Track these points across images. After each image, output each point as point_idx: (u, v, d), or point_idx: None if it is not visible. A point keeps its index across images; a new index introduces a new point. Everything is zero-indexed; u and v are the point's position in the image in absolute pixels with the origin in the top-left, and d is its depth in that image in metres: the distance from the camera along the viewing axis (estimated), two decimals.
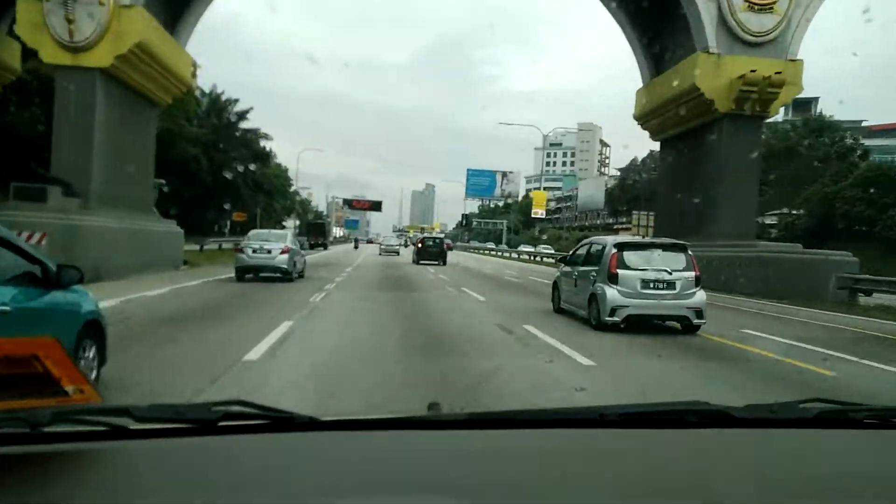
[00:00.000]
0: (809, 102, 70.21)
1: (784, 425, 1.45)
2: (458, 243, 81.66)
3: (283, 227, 45.66)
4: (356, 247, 58.46)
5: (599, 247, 9.37)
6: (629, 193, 68.79)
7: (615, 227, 68.85)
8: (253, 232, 16.36)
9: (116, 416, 1.17)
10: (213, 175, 39.59)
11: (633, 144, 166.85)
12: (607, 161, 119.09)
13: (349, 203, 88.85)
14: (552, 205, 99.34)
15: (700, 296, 8.74)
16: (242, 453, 1.20)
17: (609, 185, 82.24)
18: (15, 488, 1.02)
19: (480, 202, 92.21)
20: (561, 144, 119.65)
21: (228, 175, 41.45)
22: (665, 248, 9.07)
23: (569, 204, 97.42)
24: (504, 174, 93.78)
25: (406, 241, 76.86)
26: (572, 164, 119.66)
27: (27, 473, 1.08)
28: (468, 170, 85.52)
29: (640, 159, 71.93)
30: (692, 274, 8.74)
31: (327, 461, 1.19)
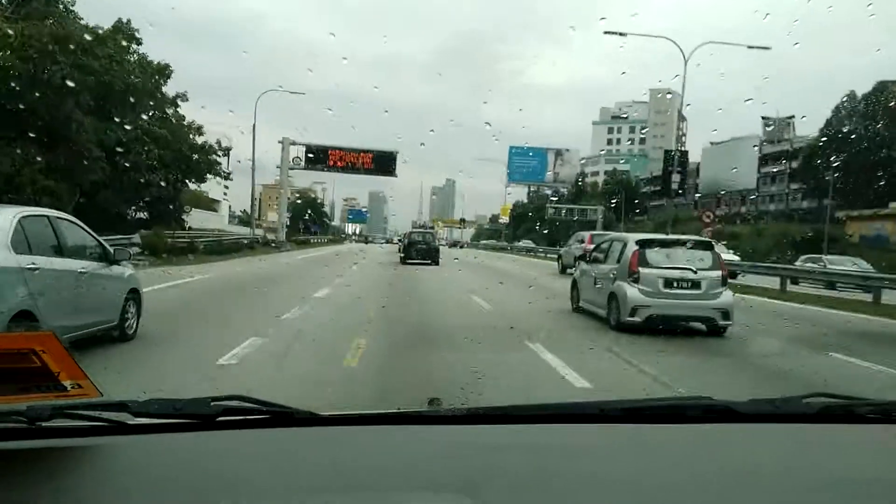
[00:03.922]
0: None
1: (788, 420, 1.65)
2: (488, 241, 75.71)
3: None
4: (366, 241, 53.78)
5: (620, 244, 10.73)
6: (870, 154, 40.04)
7: (841, 215, 46.25)
8: None
9: (115, 411, 1.36)
10: None
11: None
12: (684, 138, 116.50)
13: (319, 155, 49.58)
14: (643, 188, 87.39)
15: (727, 296, 9.96)
16: (242, 448, 1.38)
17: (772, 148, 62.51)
18: (14, 483, 1.16)
19: (528, 189, 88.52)
20: (626, 117, 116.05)
21: None
22: (690, 245, 10.41)
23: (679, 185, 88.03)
24: (558, 153, 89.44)
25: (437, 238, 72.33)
26: (642, 141, 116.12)
27: (26, 468, 1.22)
28: (510, 148, 78.42)
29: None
30: (718, 273, 10.00)
31: (327, 456, 1.37)
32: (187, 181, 38.50)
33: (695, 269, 9.91)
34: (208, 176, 38.25)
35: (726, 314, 9.88)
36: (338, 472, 1.29)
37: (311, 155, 50.08)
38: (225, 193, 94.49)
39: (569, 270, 25.31)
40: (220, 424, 1.42)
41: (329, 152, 49.85)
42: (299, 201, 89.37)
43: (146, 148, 29.58)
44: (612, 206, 64.65)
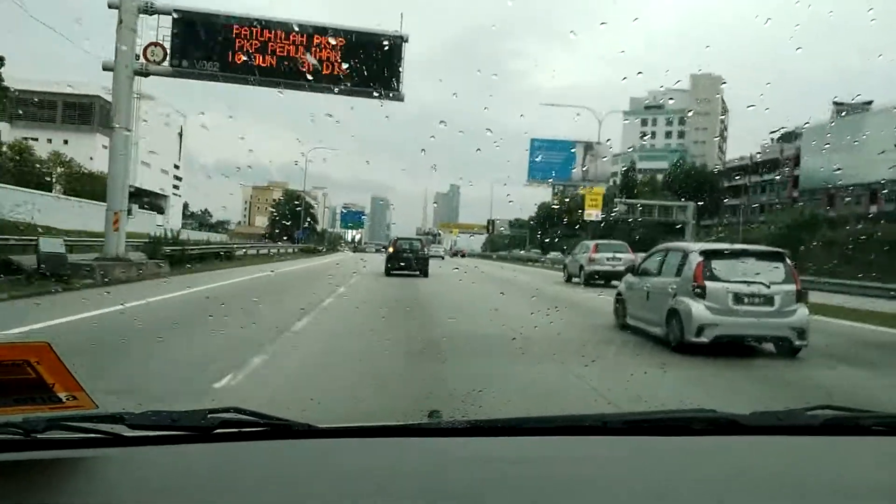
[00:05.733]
0: None
1: (791, 432, 1.73)
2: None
3: None
4: (355, 250, 47.82)
5: (679, 255, 10.28)
6: None
7: None
8: None
9: (111, 423, 1.42)
10: None
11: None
12: (725, 132, 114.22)
13: (205, 39, 19.75)
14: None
15: (802, 313, 9.49)
16: (238, 461, 1.43)
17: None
18: (9, 496, 1.20)
19: (554, 189, 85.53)
20: (662, 107, 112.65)
21: None
22: (760, 256, 9.92)
23: (770, 177, 77.26)
24: (587, 146, 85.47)
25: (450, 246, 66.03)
26: (680, 134, 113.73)
27: (22, 480, 1.27)
28: (532, 140, 72.94)
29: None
30: (792, 287, 9.52)
31: (325, 469, 1.42)
32: None
33: (767, 283, 9.45)
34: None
35: (802, 333, 9.42)
36: (335, 485, 1.33)
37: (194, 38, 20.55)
38: (176, 187, 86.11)
39: (574, 279, 26.83)
40: (216, 437, 1.47)
41: (233, 32, 20.40)
42: (298, 206, 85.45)
43: None
44: (700, 204, 53.76)
